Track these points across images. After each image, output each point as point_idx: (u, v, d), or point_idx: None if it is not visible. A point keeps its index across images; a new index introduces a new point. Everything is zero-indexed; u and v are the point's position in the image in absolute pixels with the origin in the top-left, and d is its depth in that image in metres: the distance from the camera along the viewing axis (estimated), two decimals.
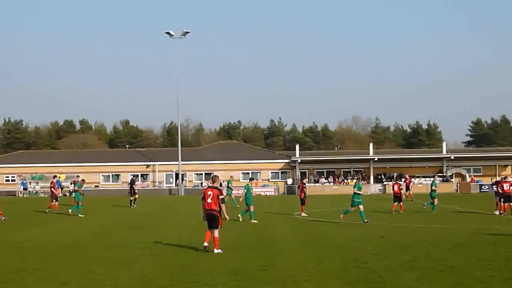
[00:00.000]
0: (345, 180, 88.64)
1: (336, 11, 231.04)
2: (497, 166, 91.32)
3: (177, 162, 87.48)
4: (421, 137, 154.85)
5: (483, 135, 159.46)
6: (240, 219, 32.32)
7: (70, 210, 38.69)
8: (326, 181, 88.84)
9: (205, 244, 19.55)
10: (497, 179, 39.87)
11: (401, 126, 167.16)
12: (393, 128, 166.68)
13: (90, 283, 14.49)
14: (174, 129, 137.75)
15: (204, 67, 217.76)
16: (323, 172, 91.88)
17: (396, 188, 41.31)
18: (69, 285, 14.30)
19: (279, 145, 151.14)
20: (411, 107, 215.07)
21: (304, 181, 39.89)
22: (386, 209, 42.03)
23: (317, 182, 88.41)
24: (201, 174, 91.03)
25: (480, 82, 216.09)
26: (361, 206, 31.51)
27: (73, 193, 41.76)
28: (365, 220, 30.88)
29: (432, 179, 51.76)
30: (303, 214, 37.10)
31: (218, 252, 19.25)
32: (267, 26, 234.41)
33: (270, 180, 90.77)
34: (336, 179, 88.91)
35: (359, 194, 31.83)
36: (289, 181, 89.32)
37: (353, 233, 25.80)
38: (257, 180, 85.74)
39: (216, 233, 19.53)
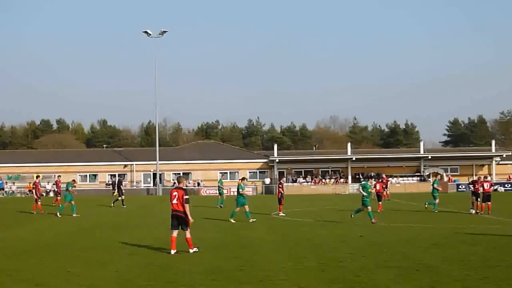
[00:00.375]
0: (323, 180, 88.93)
1: (314, 11, 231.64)
2: (474, 166, 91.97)
3: (154, 162, 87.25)
4: (399, 137, 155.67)
5: (460, 135, 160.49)
6: (251, 220, 31.92)
7: (74, 215, 38.28)
8: (304, 180, 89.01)
9: (172, 252, 19.26)
10: (474, 179, 39.98)
11: (379, 126, 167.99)
12: (371, 128, 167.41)
13: (66, 284, 14.41)
14: (152, 128, 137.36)
15: (183, 67, 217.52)
16: (301, 171, 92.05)
17: (378, 187, 41.61)
18: (45, 285, 14.21)
19: (257, 145, 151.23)
20: (389, 106, 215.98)
21: (281, 180, 39.88)
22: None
23: (295, 181, 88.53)
24: (179, 173, 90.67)
25: (458, 83, 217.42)
26: (369, 207, 30.77)
27: (59, 194, 41.74)
28: (373, 221, 30.16)
29: (434, 178, 52.32)
30: (281, 214, 37.12)
31: (194, 251, 19.22)
32: (246, 26, 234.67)
33: (248, 179, 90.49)
34: (314, 179, 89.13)
35: (366, 194, 30.88)
36: (267, 180, 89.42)
37: (330, 232, 25.84)
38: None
39: (188, 233, 19.40)
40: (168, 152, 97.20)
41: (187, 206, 19.22)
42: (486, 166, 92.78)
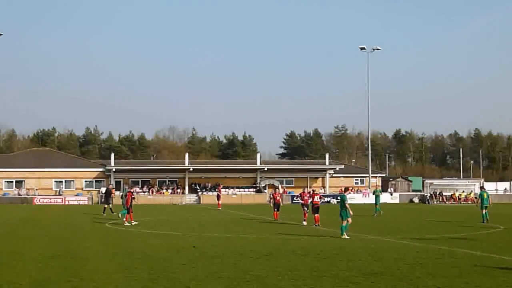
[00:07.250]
0: (160, 190, 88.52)
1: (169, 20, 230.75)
2: (308, 178, 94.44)
3: None
4: (237, 148, 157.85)
5: (297, 148, 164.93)
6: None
7: None
8: (141, 190, 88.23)
9: None
10: (303, 190, 41.11)
11: (217, 137, 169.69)
12: (209, 139, 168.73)
13: None
14: None
15: (15, 71, 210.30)
16: (138, 181, 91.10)
17: (278, 197, 43.08)
18: None
19: (95, 153, 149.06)
20: (228, 118, 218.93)
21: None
22: (199, 219, 42.21)
23: None
24: (12, 181, 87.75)
25: (298, 98, 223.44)
26: None
27: None
28: None
29: (480, 190, 42.14)
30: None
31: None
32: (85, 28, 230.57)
33: (84, 189, 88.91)
34: (151, 189, 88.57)
35: None
36: (103, 190, 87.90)
37: (164, 243, 25.68)
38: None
39: None
40: (0, 159, 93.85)
41: None
42: (320, 178, 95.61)
